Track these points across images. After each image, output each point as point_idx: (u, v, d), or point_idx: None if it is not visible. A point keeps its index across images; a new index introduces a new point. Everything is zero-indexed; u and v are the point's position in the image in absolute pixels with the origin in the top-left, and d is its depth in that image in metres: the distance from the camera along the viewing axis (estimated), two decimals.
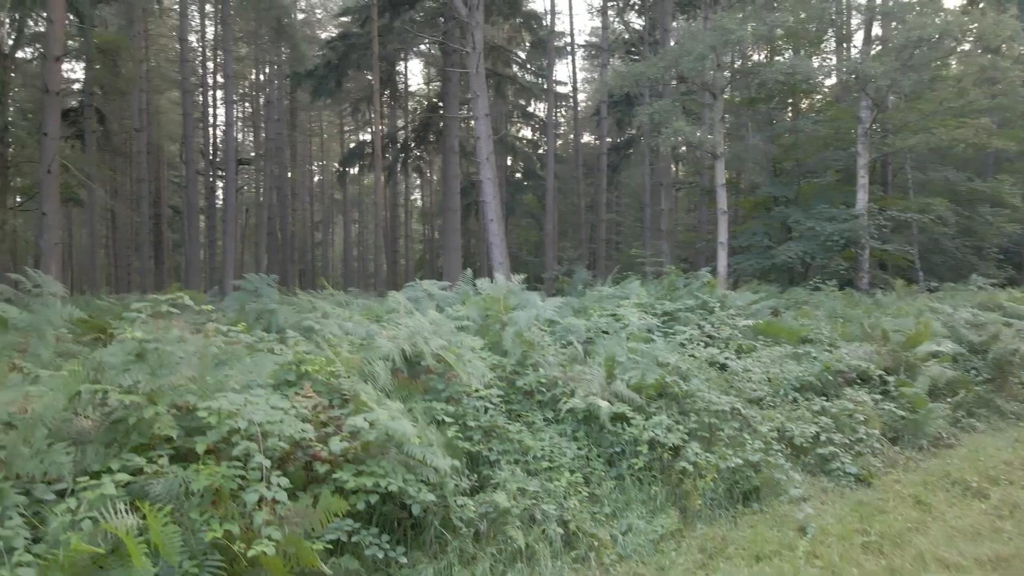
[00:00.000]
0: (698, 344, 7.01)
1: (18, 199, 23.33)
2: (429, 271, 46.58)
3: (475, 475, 4.52)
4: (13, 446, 3.21)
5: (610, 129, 35.41)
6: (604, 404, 5.11)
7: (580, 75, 45.04)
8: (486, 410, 4.95)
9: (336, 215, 53.14)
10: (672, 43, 18.14)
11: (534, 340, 5.93)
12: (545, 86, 30.18)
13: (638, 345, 6.40)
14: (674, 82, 17.35)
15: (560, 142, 44.33)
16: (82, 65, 30.41)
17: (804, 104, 20.21)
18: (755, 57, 24.14)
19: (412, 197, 50.91)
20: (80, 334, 8.00)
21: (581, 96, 46.00)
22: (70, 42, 26.56)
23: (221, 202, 34.02)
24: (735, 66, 18.16)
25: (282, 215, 27.60)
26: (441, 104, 24.95)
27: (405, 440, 3.81)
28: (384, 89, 26.85)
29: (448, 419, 4.64)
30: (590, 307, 8.38)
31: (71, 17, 13.52)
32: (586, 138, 45.46)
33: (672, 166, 31.61)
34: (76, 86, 29.25)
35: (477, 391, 4.95)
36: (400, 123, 33.21)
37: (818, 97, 20.62)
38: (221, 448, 3.71)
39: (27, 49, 25.02)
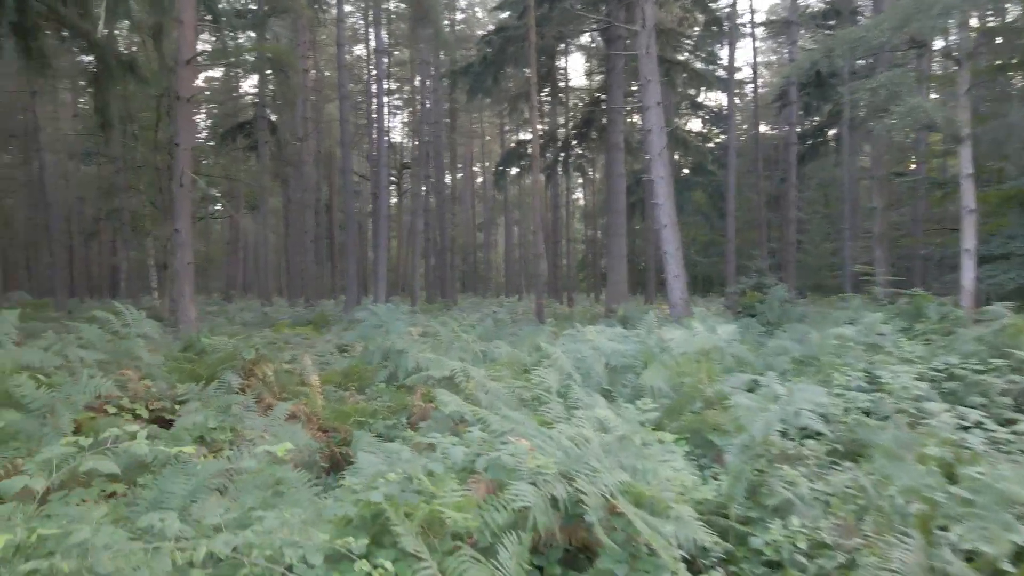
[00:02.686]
0: None
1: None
2: (591, 273, 44.33)
3: None
4: None
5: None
6: None
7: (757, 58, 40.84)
8: None
9: (498, 217, 52.43)
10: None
11: (776, 452, 3.48)
12: (722, 74, 26.93)
13: (944, 454, 3.72)
14: (898, 51, 13.76)
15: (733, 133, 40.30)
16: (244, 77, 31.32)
17: None
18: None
19: (574, 197, 49.00)
20: (179, 380, 6.60)
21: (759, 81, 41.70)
22: (248, 57, 27.11)
23: (388, 206, 33.95)
24: (985, 24, 14.19)
25: (441, 219, 26.55)
26: (604, 97, 22.59)
27: None
28: (543, 85, 24.94)
29: None
30: (825, 360, 5.71)
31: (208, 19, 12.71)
32: (761, 128, 41.12)
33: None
34: (249, 99, 30.23)
35: None
36: (560, 120, 31.23)
37: None
38: None
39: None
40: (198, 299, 35.21)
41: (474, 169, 47.47)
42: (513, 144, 27.10)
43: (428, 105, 22.57)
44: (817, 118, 28.04)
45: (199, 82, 38.08)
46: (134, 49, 22.00)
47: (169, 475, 3.11)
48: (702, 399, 4.51)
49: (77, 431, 4.51)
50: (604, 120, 23.45)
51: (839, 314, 9.34)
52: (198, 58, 23.88)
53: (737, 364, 5.46)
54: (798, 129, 26.05)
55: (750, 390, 4.54)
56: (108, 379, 4.52)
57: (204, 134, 37.38)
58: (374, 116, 28.60)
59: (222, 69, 32.13)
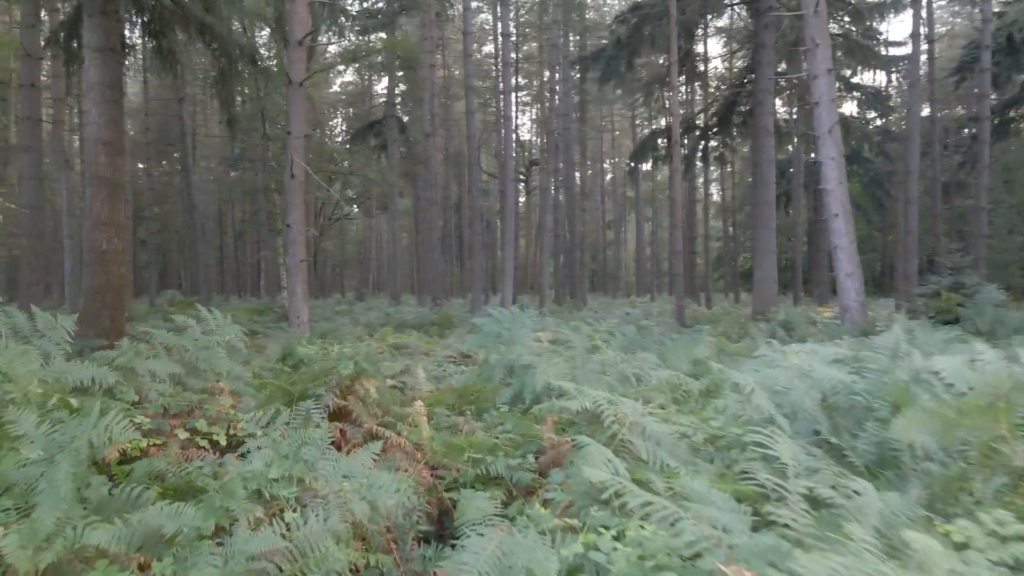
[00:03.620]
0: None
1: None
2: (728, 271, 41.29)
3: None
4: None
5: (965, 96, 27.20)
6: None
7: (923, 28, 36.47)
8: None
9: (628, 213, 50.28)
10: None
11: None
12: (887, 51, 23.73)
13: None
14: None
15: (891, 116, 36.04)
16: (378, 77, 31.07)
17: None
18: None
19: (708, 192, 46.03)
20: (268, 397, 5.55)
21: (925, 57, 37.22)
22: (377, 57, 26.94)
23: (520, 204, 32.85)
24: None
25: (570, 215, 25.09)
26: (750, 77, 20.24)
27: None
28: (681, 67, 22.88)
29: None
30: None
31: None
32: (927, 110, 36.65)
33: None
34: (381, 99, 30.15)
35: None
36: (697, 108, 28.86)
37: None
38: None
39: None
40: (334, 298, 35.71)
41: (603, 166, 45.62)
42: (648, 133, 25.11)
43: (558, 96, 21.14)
44: (994, 96, 24.04)
45: (335, 88, 38.91)
46: (273, 54, 22.22)
47: None
48: (1007, 470, 2.75)
49: (106, 466, 3.44)
50: (748, 104, 21.09)
51: None
52: (325, 57, 23.79)
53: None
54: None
55: None
56: (123, 411, 3.43)
57: (340, 138, 38.17)
58: (502, 114, 27.64)
59: (355, 73, 32.38)
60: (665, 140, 21.50)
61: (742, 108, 21.17)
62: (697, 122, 23.70)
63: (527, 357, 5.73)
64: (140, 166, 37.61)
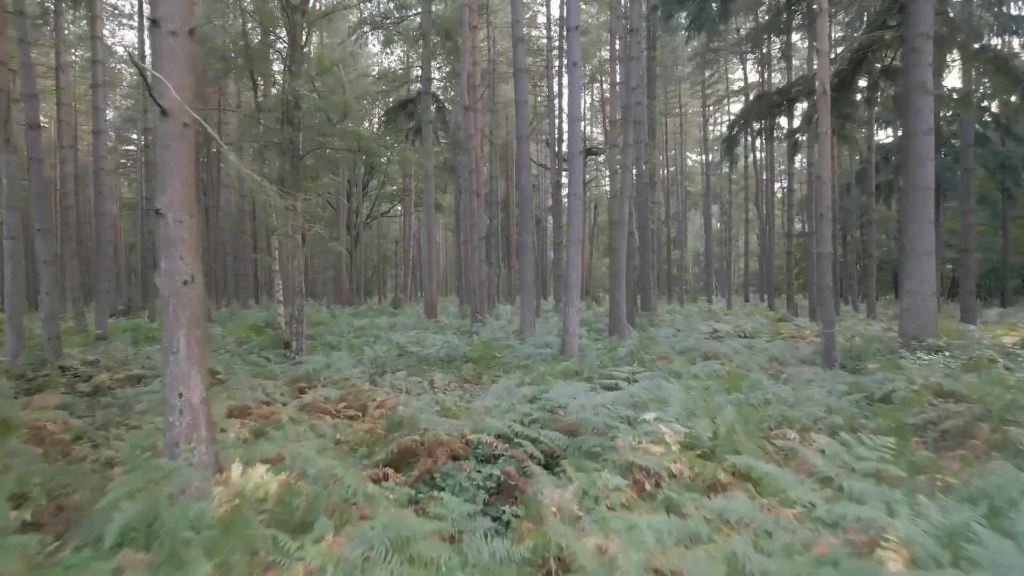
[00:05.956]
0: None
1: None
2: (806, 274, 35.21)
3: None
4: None
5: None
6: None
7: None
8: None
9: (690, 209, 44.60)
10: None
11: None
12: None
13: None
14: None
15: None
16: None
17: None
18: None
19: (778, 184, 39.95)
20: None
21: None
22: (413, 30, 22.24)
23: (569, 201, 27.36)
24: None
25: (640, 208, 19.87)
26: (892, 24, 14.70)
27: None
28: (789, 19, 17.35)
29: None
30: None
31: None
32: None
33: None
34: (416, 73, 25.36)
35: None
36: (793, 76, 23.11)
37: None
38: None
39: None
40: (368, 303, 30.94)
41: (664, 156, 40.00)
42: (756, 95, 19.39)
43: (632, 56, 15.84)
44: None
45: (372, 74, 34.32)
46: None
47: None
48: None
49: None
50: (891, 55, 15.54)
51: None
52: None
53: None
54: None
55: None
56: None
57: (378, 126, 33.63)
58: (556, 102, 22.50)
59: (383, 46, 27.55)
60: (784, 104, 16.17)
61: (881, 63, 15.62)
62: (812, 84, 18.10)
63: None
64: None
